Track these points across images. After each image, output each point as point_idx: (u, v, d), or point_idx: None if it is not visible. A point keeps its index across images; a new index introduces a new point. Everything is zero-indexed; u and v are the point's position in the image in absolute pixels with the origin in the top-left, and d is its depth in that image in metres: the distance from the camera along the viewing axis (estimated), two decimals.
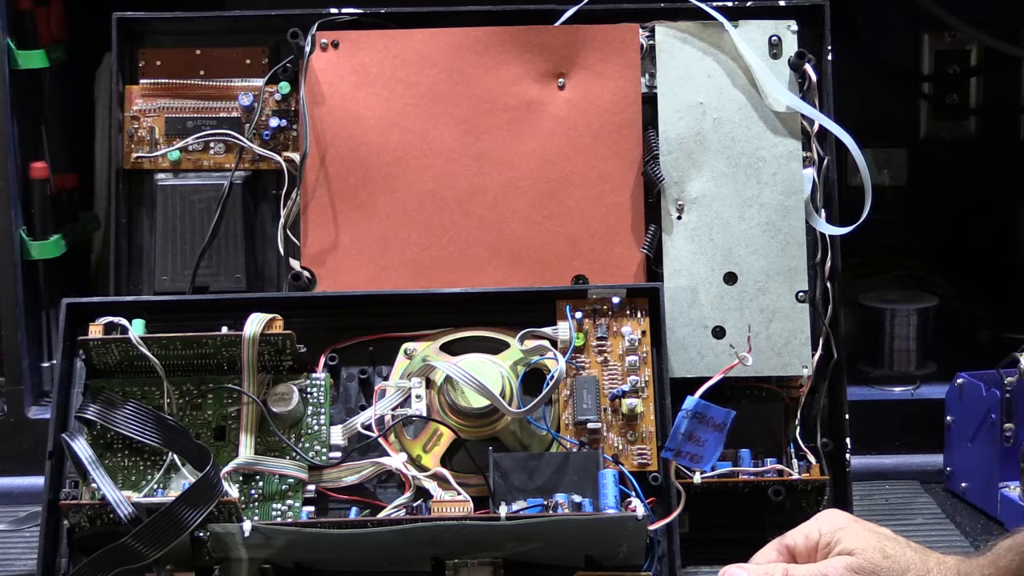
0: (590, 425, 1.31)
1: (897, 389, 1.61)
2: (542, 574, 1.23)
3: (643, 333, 1.34)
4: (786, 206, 1.40)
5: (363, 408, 1.33)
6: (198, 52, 1.45)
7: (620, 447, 1.31)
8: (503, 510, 1.21)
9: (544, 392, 1.29)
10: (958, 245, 1.85)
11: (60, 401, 1.30)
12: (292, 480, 1.28)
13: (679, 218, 1.40)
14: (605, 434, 1.31)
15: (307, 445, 1.29)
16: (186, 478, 1.26)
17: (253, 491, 1.28)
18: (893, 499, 1.47)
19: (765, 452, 1.37)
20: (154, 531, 1.19)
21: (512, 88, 1.43)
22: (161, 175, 1.45)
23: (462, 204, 1.42)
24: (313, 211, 1.42)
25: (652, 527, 1.23)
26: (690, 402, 1.25)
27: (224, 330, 1.29)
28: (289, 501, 1.28)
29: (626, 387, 1.32)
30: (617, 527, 1.20)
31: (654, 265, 1.41)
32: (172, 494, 1.23)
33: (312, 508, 1.29)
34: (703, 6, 1.42)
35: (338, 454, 1.30)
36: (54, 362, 1.41)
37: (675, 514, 1.26)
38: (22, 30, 1.53)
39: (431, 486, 1.28)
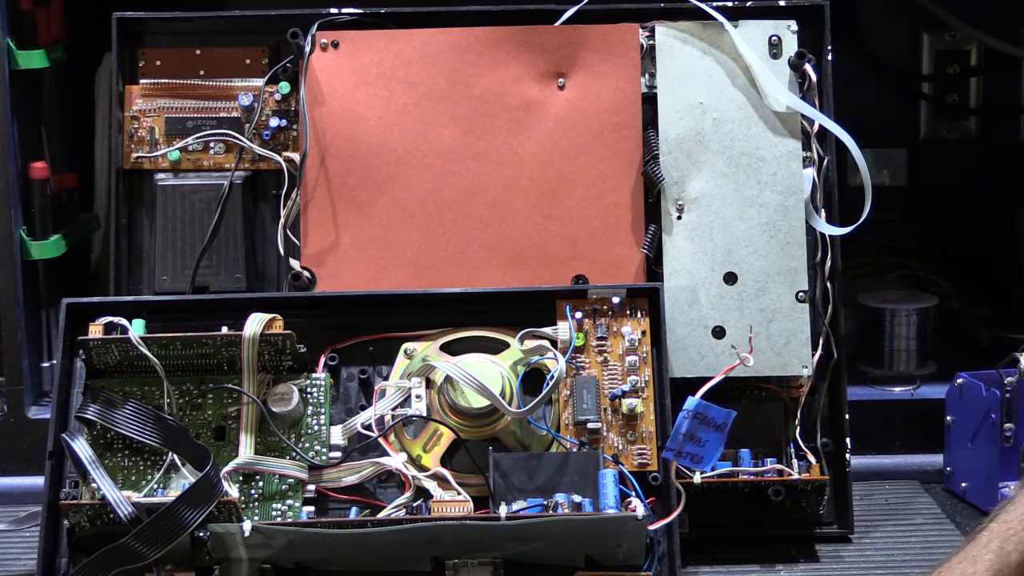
0: (590, 425, 1.31)
1: (897, 389, 1.60)
2: (542, 574, 1.23)
3: (643, 333, 1.34)
4: (786, 206, 1.40)
5: (363, 408, 1.33)
6: (198, 52, 1.45)
7: (620, 447, 1.31)
8: (503, 510, 1.21)
9: (544, 392, 1.29)
10: (958, 245, 1.85)
11: (60, 401, 1.30)
12: (292, 480, 1.28)
13: (679, 218, 1.40)
14: (605, 434, 1.31)
15: (307, 445, 1.29)
16: (186, 478, 1.26)
17: (253, 491, 1.28)
18: (893, 499, 1.47)
19: (765, 452, 1.37)
20: (154, 531, 1.19)
21: (512, 88, 1.43)
22: (161, 175, 1.45)
23: (462, 204, 1.42)
24: (313, 211, 1.42)
25: (652, 527, 1.23)
26: (691, 402, 1.25)
27: (224, 330, 1.29)
28: (289, 501, 1.28)
29: (626, 387, 1.32)
30: (617, 527, 1.20)
31: (654, 265, 1.41)
32: (172, 494, 1.23)
33: (312, 508, 1.28)
34: (703, 6, 1.42)
35: (338, 454, 1.30)
36: (54, 362, 1.41)
37: (675, 514, 1.26)
38: (22, 30, 1.52)
39: (431, 486, 1.28)
